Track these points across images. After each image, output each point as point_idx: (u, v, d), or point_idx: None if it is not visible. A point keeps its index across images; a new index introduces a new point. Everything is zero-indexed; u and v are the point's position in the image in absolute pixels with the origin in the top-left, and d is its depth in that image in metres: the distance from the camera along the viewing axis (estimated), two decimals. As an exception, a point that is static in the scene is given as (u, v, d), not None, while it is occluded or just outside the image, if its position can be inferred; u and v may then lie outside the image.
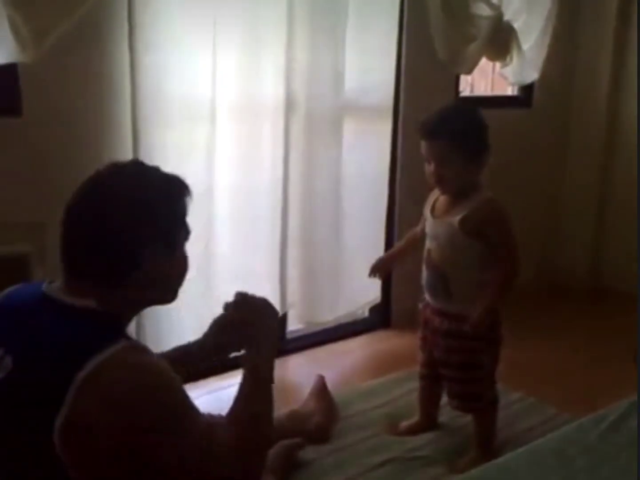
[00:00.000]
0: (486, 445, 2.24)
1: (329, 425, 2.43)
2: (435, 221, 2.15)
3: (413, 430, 2.42)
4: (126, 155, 2.47)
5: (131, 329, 2.46)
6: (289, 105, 2.83)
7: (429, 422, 2.44)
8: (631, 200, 3.83)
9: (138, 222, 1.27)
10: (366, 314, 3.49)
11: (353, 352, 3.24)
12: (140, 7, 2.37)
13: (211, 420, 1.38)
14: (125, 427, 1.15)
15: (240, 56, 2.65)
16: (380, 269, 2.40)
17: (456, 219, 2.05)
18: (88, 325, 1.23)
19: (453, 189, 2.09)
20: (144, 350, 1.27)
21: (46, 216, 2.37)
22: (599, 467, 1.63)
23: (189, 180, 2.60)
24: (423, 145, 2.06)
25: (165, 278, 1.34)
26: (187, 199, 1.37)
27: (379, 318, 3.46)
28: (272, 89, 2.77)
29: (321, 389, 2.55)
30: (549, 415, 2.57)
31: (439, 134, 2.00)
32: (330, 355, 3.15)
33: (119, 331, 1.27)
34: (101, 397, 1.14)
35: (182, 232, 1.37)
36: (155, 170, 1.38)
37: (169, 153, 2.53)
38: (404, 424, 2.46)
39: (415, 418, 2.46)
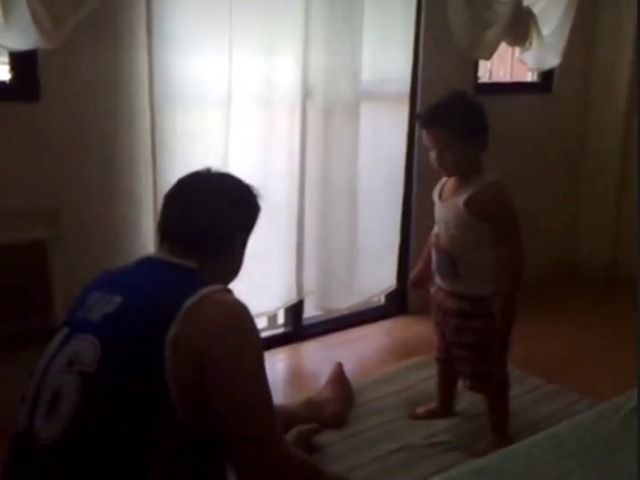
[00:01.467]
0: (502, 429, 2.25)
1: (345, 412, 2.43)
2: (442, 204, 2.21)
3: (430, 416, 2.43)
4: (143, 141, 2.48)
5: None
6: (306, 93, 2.82)
7: (445, 408, 2.45)
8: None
9: (238, 214, 1.59)
10: (382, 300, 3.49)
11: (369, 338, 3.24)
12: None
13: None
14: (214, 347, 1.34)
15: (257, 46, 2.65)
16: (418, 286, 2.43)
17: (461, 199, 2.11)
18: (192, 276, 1.47)
19: (456, 172, 2.16)
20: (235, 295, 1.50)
21: (63, 201, 2.40)
22: (617, 453, 1.62)
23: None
24: (424, 134, 2.16)
25: (238, 266, 1.64)
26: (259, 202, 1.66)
27: (396, 305, 3.46)
28: (289, 77, 2.77)
29: (339, 376, 2.56)
30: (569, 402, 2.56)
31: (437, 121, 2.10)
32: (347, 342, 3.16)
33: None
34: (203, 319, 1.34)
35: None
36: (237, 178, 1.67)
37: (187, 141, 2.54)
38: (421, 409, 2.47)
39: (432, 404, 2.47)
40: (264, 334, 3.09)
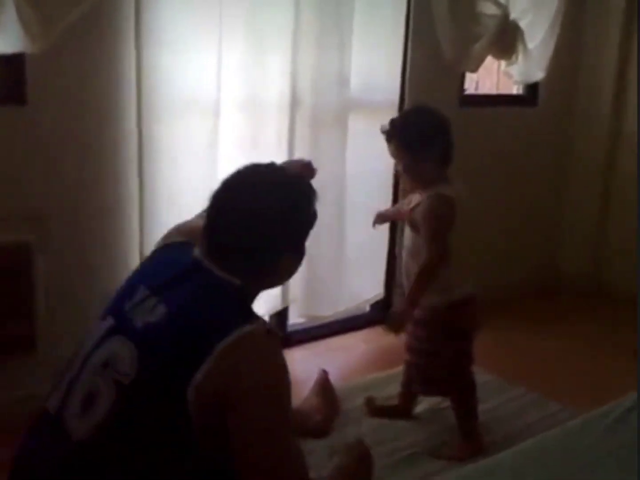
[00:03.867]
0: (468, 434, 2.31)
1: (330, 422, 2.44)
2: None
3: (386, 413, 2.51)
4: (131, 146, 2.47)
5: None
6: (294, 102, 2.83)
7: (404, 410, 2.52)
8: (634, 200, 3.83)
9: (291, 232, 1.46)
10: (367, 308, 3.49)
11: (353, 346, 3.24)
12: (147, 2, 2.37)
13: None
14: (239, 397, 1.26)
15: (245, 53, 2.65)
16: (385, 218, 2.58)
17: (410, 212, 2.24)
18: (234, 301, 1.39)
19: (413, 183, 2.25)
20: (277, 336, 1.43)
21: (49, 205, 2.38)
22: (603, 462, 1.62)
23: (192, 176, 2.62)
24: None
25: (284, 276, 1.55)
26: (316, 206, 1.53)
27: (380, 313, 3.45)
28: (277, 86, 2.77)
29: (324, 384, 2.56)
30: (553, 411, 2.59)
31: (390, 136, 2.20)
32: (331, 350, 3.16)
33: (253, 312, 1.42)
34: (234, 365, 1.27)
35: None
36: (294, 179, 1.54)
37: (173, 147, 2.54)
38: (379, 402, 2.55)
39: (393, 401, 2.54)
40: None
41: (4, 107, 2.28)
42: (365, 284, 3.31)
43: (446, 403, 2.46)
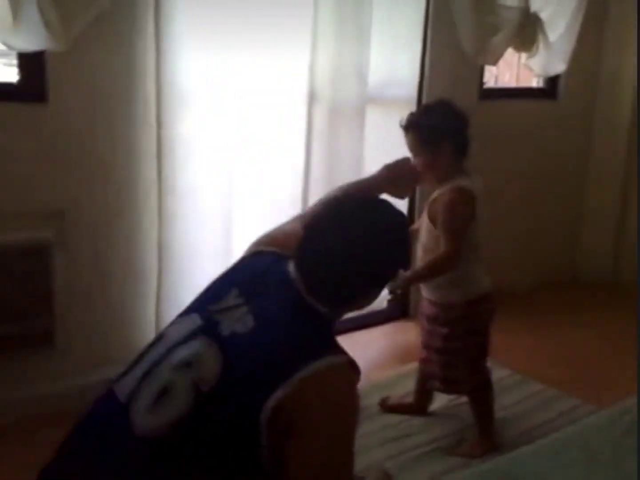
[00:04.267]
0: (484, 431, 2.31)
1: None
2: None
3: (401, 411, 2.51)
4: (149, 142, 2.48)
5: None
6: (312, 95, 2.82)
7: (419, 407, 2.51)
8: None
9: (384, 273, 1.48)
10: (384, 304, 3.48)
11: (371, 342, 3.24)
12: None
13: None
14: (304, 429, 1.25)
15: (264, 45, 2.64)
16: None
17: (427, 205, 2.23)
18: (320, 328, 1.40)
19: (432, 177, 2.21)
20: (358, 371, 1.39)
21: (68, 203, 2.40)
22: (625, 459, 1.61)
23: (209, 170, 2.61)
24: None
25: (368, 304, 1.53)
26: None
27: (397, 309, 3.45)
28: (295, 80, 2.76)
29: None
30: (570, 407, 2.57)
31: (407, 129, 2.20)
32: (348, 346, 3.10)
33: (338, 342, 1.41)
34: (311, 395, 1.26)
35: None
36: (392, 219, 1.50)
37: (193, 143, 2.54)
38: (394, 400, 2.55)
39: (408, 399, 2.54)
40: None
41: (25, 105, 2.29)
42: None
43: (460, 400, 2.45)
